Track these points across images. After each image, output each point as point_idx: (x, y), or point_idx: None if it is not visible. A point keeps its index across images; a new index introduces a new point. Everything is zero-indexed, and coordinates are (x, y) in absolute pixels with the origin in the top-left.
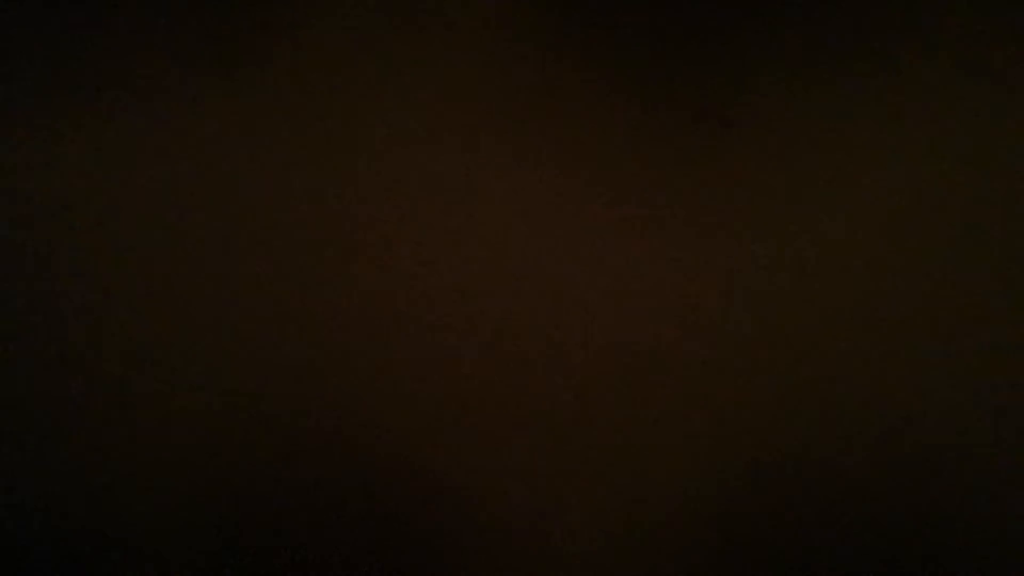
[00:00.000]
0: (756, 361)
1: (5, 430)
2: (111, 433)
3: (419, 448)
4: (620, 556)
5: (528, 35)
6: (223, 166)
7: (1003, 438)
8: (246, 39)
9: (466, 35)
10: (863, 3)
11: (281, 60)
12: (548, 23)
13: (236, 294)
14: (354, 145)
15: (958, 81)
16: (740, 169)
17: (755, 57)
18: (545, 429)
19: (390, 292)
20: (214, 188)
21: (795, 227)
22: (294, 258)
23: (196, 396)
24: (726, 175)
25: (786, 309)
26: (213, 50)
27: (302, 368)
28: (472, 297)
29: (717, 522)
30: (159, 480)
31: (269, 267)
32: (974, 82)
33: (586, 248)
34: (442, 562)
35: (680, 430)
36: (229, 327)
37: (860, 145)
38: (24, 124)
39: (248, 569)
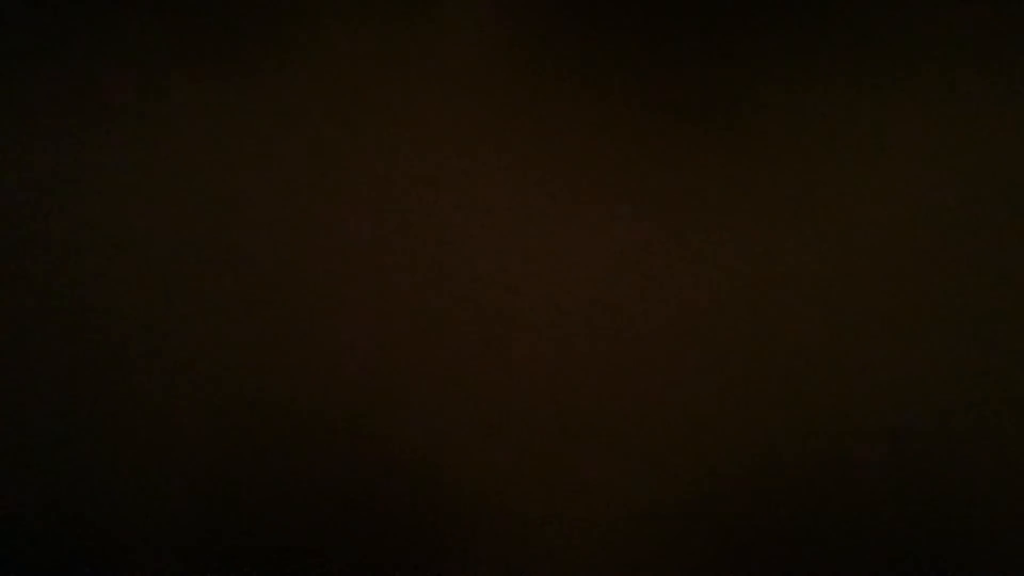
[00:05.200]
0: (756, 360)
1: (5, 430)
2: (111, 433)
3: (420, 447)
4: (619, 555)
5: (529, 36)
6: (222, 167)
7: (1003, 438)
8: (245, 41)
9: (466, 35)
10: (866, 2)
11: (281, 61)
12: (549, 24)
13: (236, 294)
14: (355, 145)
15: (963, 79)
16: (740, 169)
17: (756, 56)
18: (547, 428)
19: (390, 292)
20: (214, 188)
21: (796, 226)
22: (294, 258)
23: (197, 394)
24: (726, 176)
25: (786, 308)
26: (212, 52)
27: (301, 368)
28: (473, 297)
29: (717, 521)
30: (159, 479)
31: (269, 267)
32: (980, 81)
33: (587, 248)
34: (442, 561)
35: (681, 428)
36: (229, 327)
37: (861, 145)
38: (24, 125)
39: (249, 568)
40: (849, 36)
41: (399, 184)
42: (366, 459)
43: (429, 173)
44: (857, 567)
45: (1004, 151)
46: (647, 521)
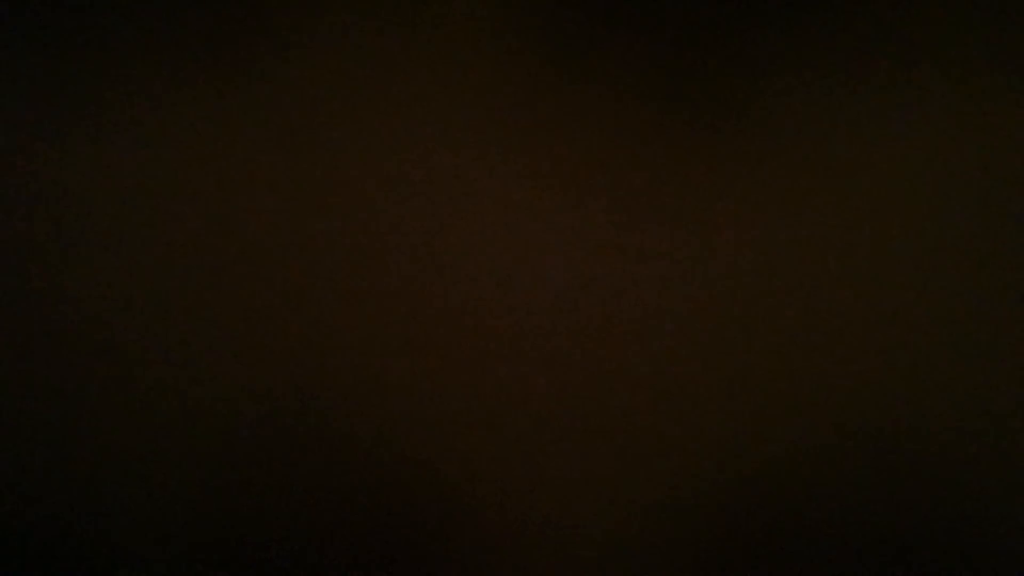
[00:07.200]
0: (757, 360)
1: (5, 430)
2: (112, 432)
3: (419, 448)
4: (618, 555)
5: (529, 37)
6: (222, 168)
7: (1003, 439)
8: (244, 42)
9: (466, 35)
10: (866, 3)
11: (279, 62)
12: (550, 24)
13: (235, 296)
14: (356, 148)
15: (963, 79)
16: (739, 170)
17: (758, 56)
18: (545, 429)
19: (390, 292)
20: (214, 190)
21: (797, 227)
22: (293, 259)
23: (197, 396)
24: (727, 176)
25: (787, 308)
26: (210, 54)
27: (301, 368)
28: (473, 298)
29: (716, 521)
30: (159, 479)
31: (269, 268)
32: (980, 81)
33: (588, 248)
34: (441, 562)
35: (679, 429)
36: (227, 329)
37: (863, 145)
38: (25, 125)
39: (247, 568)
40: (851, 37)
41: (400, 184)
42: (366, 460)
43: (430, 174)
44: (858, 567)
45: (1005, 151)
46: (645, 521)
